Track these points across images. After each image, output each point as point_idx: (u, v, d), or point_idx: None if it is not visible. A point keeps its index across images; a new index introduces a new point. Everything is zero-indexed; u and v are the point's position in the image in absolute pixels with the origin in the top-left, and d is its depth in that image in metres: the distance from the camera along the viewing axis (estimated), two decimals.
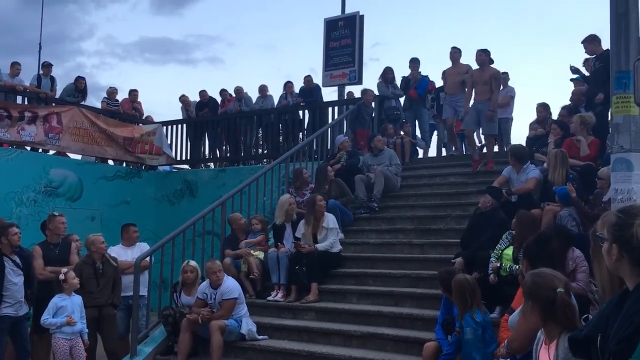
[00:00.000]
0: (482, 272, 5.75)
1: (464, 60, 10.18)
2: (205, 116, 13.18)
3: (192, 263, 6.88)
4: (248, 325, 6.43)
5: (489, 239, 6.10)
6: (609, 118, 8.37)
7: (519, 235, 5.61)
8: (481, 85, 9.01)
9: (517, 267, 5.40)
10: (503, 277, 5.57)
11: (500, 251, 5.77)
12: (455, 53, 10.14)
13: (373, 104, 10.86)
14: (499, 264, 5.65)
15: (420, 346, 5.29)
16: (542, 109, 9.44)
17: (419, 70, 11.19)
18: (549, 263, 3.49)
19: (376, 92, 11.02)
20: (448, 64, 10.27)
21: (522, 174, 7.10)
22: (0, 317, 6.04)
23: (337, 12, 12.37)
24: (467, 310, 4.78)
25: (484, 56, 9.06)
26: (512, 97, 10.87)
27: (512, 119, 10.89)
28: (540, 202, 6.68)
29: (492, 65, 9.23)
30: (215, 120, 13.03)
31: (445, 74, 10.33)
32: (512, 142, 10.63)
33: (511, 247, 5.71)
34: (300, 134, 12.14)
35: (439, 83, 11.25)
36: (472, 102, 9.40)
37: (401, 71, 11.57)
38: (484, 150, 9.80)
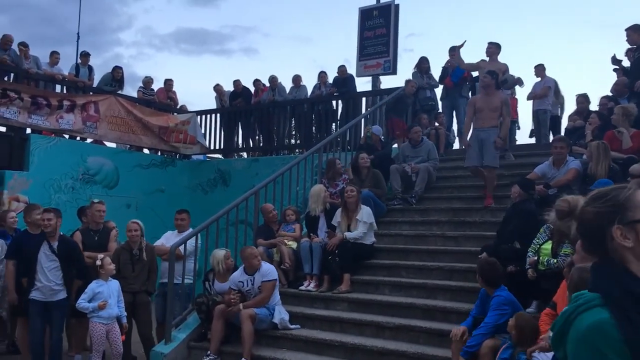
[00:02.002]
0: (517, 266, 5.64)
1: (501, 57, 9.69)
2: (239, 106, 13.24)
3: (224, 251, 6.92)
4: (280, 314, 6.44)
5: (513, 231, 6.01)
6: None
7: (558, 230, 5.48)
8: (488, 111, 7.94)
9: (555, 261, 5.29)
10: (541, 271, 5.45)
11: (538, 246, 5.64)
12: (491, 48, 9.64)
13: None
14: (536, 258, 5.53)
15: None
16: (582, 100, 9.21)
17: (460, 53, 10.95)
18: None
19: None
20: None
21: (562, 168, 6.92)
22: (29, 300, 6.11)
23: (372, 2, 12.26)
24: (524, 349, 4.47)
25: (489, 79, 8.06)
26: (550, 88, 10.62)
27: (549, 111, 10.65)
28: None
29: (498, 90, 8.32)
30: (249, 110, 13.07)
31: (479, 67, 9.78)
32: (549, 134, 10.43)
33: (550, 242, 5.58)
34: (333, 124, 12.10)
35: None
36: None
37: (437, 62, 11.41)
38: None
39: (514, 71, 10.43)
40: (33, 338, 6.21)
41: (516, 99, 11.45)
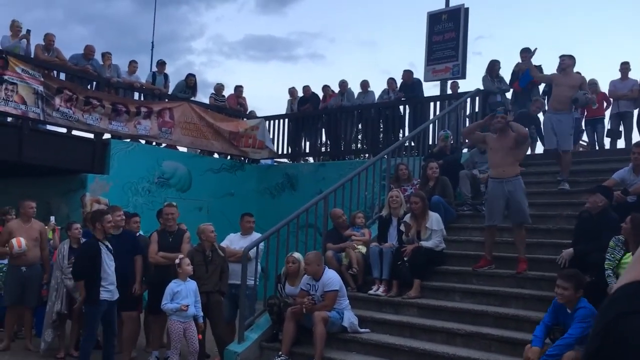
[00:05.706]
0: (592, 277, 5.47)
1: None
2: (307, 111, 13.42)
3: (296, 254, 7.05)
4: (350, 318, 6.51)
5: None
6: None
7: (637, 243, 5.27)
8: (502, 154, 6.86)
9: None
10: None
11: (616, 261, 5.42)
12: (564, 61, 8.64)
13: (477, 99, 10.60)
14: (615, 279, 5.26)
15: None
16: None
17: (531, 61, 10.69)
18: None
19: (481, 87, 10.75)
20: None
21: None
22: (99, 301, 6.28)
23: (440, 6, 12.20)
24: None
25: (503, 123, 7.01)
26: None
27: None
28: None
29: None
30: (316, 115, 13.23)
31: (551, 81, 9.07)
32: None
33: (629, 255, 5.37)
34: (400, 129, 12.07)
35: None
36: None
37: (507, 65, 11.19)
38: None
39: (586, 71, 10.00)
40: (94, 336, 6.46)
41: (603, 93, 10.64)
